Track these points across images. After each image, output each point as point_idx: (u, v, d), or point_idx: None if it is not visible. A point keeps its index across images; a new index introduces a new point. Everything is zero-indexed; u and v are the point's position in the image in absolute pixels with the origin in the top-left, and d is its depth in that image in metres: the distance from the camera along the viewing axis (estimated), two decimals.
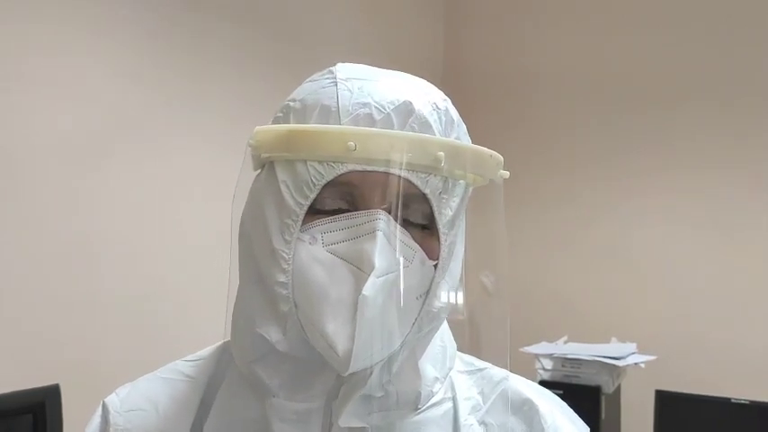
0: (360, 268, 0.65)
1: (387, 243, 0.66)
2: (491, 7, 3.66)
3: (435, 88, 0.76)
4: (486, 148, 0.74)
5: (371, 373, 0.70)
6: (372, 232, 0.66)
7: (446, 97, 0.75)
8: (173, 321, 2.24)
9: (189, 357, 0.85)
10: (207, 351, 0.84)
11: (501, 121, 3.41)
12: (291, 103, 0.74)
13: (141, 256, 2.21)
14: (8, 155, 1.90)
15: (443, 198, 0.70)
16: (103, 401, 0.82)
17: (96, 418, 0.81)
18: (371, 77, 0.73)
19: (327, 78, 0.73)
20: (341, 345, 0.65)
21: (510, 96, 3.55)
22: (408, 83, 0.74)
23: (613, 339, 2.95)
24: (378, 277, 0.65)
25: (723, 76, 3.05)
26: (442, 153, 0.68)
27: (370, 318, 0.65)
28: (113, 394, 0.83)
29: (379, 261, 0.65)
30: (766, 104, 2.98)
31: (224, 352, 0.82)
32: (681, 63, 3.14)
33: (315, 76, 0.75)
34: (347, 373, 0.67)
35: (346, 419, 0.71)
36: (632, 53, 3.25)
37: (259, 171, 0.75)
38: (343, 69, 0.74)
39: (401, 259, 0.68)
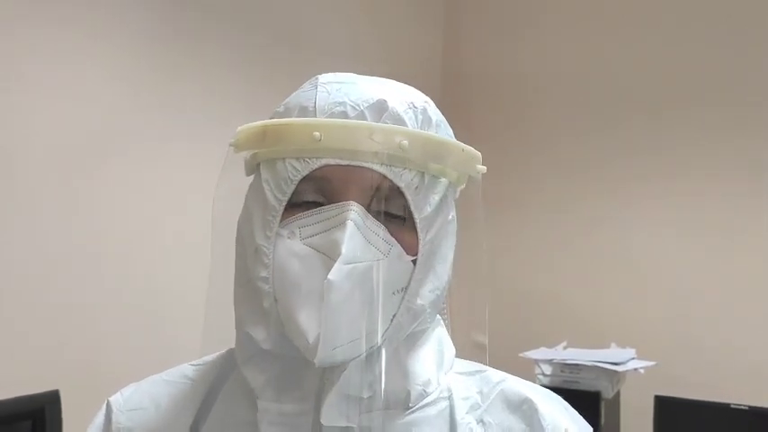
0: (331, 258, 0.67)
1: (357, 232, 0.68)
2: (490, 13, 3.67)
3: (419, 92, 0.78)
4: (458, 142, 0.75)
5: (352, 368, 0.70)
6: (343, 222, 0.67)
7: (428, 99, 0.77)
8: (173, 326, 2.24)
9: (195, 362, 0.86)
10: (213, 356, 0.86)
11: (500, 127, 3.42)
12: (278, 109, 0.77)
13: (141, 260, 2.21)
14: (8, 158, 1.91)
15: (420, 193, 0.72)
16: (108, 400, 0.84)
17: (100, 416, 0.83)
18: (352, 81, 0.75)
19: (310, 84, 0.77)
20: (311, 332, 0.66)
21: (509, 101, 3.56)
22: (389, 85, 0.76)
23: (612, 345, 2.94)
24: (345, 264, 0.66)
25: (723, 82, 3.06)
26: (406, 141, 0.69)
27: (336, 303, 0.66)
28: (118, 393, 0.84)
29: (346, 248, 0.66)
30: (766, 109, 2.99)
31: (229, 357, 0.83)
32: (681, 68, 3.15)
33: (303, 85, 0.78)
34: (318, 364, 0.67)
35: (328, 417, 0.71)
36: (632, 59, 3.26)
37: (252, 178, 0.77)
38: (328, 76, 0.77)
39: (374, 250, 0.69)
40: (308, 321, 0.67)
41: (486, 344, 0.79)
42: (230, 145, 0.75)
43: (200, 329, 0.77)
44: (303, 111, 0.73)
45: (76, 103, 2.06)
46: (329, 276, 0.65)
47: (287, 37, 2.75)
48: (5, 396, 1.64)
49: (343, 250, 0.66)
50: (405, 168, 0.70)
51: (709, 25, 3.10)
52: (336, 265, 0.65)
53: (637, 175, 3.22)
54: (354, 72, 0.79)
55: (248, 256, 0.72)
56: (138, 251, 2.21)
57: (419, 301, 0.73)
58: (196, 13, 2.41)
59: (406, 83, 0.78)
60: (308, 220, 0.70)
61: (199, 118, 2.40)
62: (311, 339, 0.66)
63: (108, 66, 2.15)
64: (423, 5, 3.69)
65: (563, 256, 3.36)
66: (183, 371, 0.85)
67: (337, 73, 0.78)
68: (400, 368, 0.75)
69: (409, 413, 0.75)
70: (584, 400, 2.58)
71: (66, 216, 2.03)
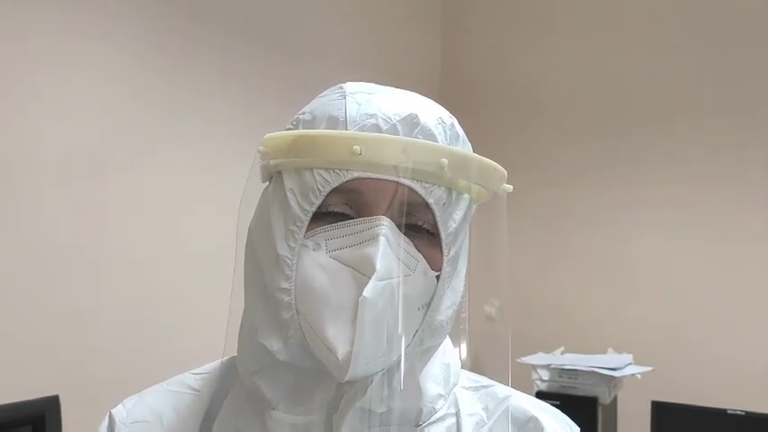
0: (362, 273, 0.66)
1: (389, 248, 0.67)
2: (488, 20, 3.68)
3: (442, 107, 0.78)
4: (490, 161, 0.75)
5: (371, 382, 0.70)
6: (375, 237, 0.67)
7: (453, 116, 0.77)
8: (173, 333, 2.24)
9: (196, 370, 0.85)
10: (214, 365, 0.85)
11: (498, 134, 3.42)
12: (301, 116, 0.75)
13: (142, 266, 2.21)
14: (9, 166, 1.91)
15: (447, 209, 0.71)
16: (110, 412, 0.83)
17: (103, 430, 0.82)
18: (379, 92, 0.75)
19: (336, 93, 0.75)
20: (341, 348, 0.65)
21: (507, 106, 3.56)
22: (415, 98, 0.76)
23: (610, 350, 2.95)
24: (379, 280, 0.65)
25: (721, 90, 3.08)
26: (445, 160, 0.69)
27: (370, 320, 0.65)
28: (120, 405, 0.83)
29: (380, 264, 0.65)
30: (764, 117, 3.01)
31: (231, 366, 0.81)
32: (678, 76, 3.16)
33: (325, 92, 0.77)
34: (346, 380, 0.66)
35: (343, 430, 0.70)
36: (630, 66, 3.27)
37: (267, 184, 0.76)
38: (353, 85, 0.76)
39: (403, 266, 0.68)
40: (337, 337, 0.65)
41: (508, 363, 0.79)
42: (258, 152, 0.73)
43: (218, 335, 0.76)
44: (333, 121, 0.72)
45: (78, 111, 2.06)
46: (365, 293, 0.64)
47: (286, 43, 2.76)
48: (5, 401, 1.64)
49: (378, 266, 0.65)
50: (435, 184, 0.70)
51: (711, 34, 3.12)
52: (372, 282, 0.64)
53: (634, 180, 3.23)
54: (353, 79, 0.79)
55: (266, 265, 0.71)
56: (139, 257, 2.21)
57: (439, 317, 0.72)
58: (200, 25, 2.41)
59: (405, 88, 0.78)
60: (336, 233, 0.68)
61: (200, 125, 2.41)
62: (341, 355, 0.65)
63: (110, 74, 2.15)
64: (420, 10, 3.70)
65: (561, 262, 3.37)
66: (186, 380, 0.84)
67: (361, 82, 0.77)
68: (414, 384, 0.74)
69: (419, 429, 0.75)
70: (582, 406, 2.59)
71: (66, 222, 2.03)
